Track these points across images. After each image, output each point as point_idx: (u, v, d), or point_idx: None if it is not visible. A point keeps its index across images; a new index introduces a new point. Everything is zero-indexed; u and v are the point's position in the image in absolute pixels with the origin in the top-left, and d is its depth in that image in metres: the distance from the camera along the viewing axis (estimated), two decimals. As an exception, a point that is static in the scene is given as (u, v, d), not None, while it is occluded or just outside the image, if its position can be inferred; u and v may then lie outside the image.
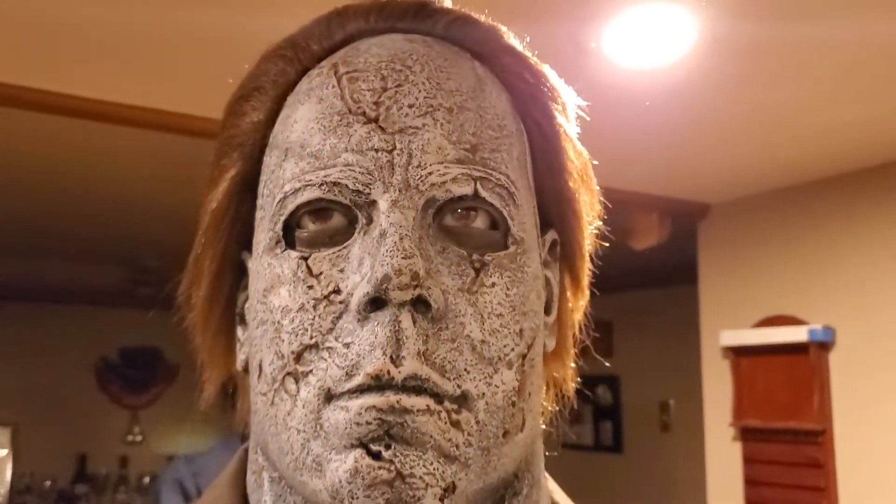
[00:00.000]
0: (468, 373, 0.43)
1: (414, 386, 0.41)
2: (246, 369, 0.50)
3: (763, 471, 2.97)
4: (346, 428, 0.41)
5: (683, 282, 3.81)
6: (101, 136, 2.55)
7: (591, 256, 0.56)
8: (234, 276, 0.53)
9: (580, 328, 0.57)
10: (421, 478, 0.41)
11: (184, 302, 0.54)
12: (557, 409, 0.58)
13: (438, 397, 0.42)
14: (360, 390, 0.41)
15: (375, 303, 0.42)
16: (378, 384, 0.41)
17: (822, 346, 2.83)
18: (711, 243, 3.27)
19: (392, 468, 0.40)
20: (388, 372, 0.41)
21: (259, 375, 0.46)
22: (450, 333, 0.43)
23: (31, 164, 2.99)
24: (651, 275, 4.67)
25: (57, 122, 2.32)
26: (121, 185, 2.97)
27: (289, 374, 0.44)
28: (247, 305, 0.51)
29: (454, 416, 0.42)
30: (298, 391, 0.43)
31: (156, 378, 5.98)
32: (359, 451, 0.41)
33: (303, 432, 0.43)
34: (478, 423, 0.43)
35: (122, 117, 2.15)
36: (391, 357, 0.41)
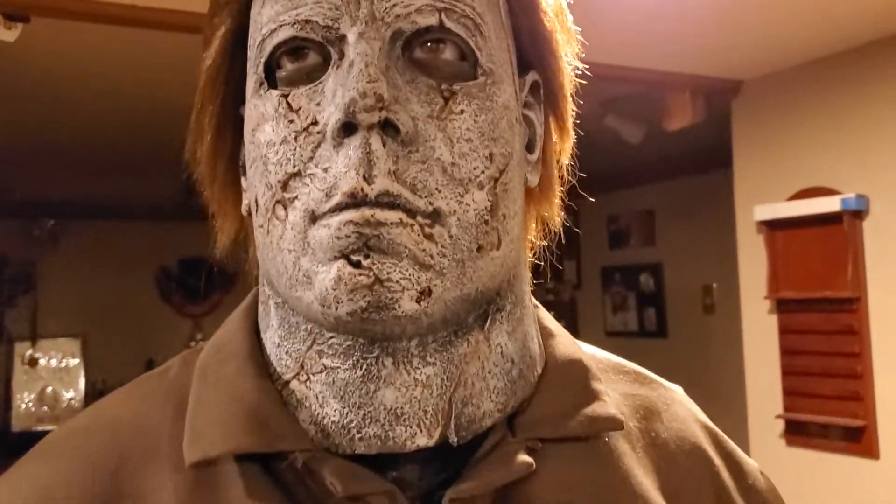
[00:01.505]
0: (439, 192, 0.46)
1: (387, 202, 0.45)
2: (250, 213, 0.53)
3: (798, 340, 3.02)
4: (328, 242, 0.45)
5: (721, 165, 3.81)
6: (152, 44, 2.59)
7: (572, 97, 0.58)
8: (234, 131, 0.55)
9: (568, 170, 0.59)
10: (398, 282, 0.44)
11: (190, 158, 0.57)
12: (545, 244, 0.60)
13: (411, 212, 0.45)
14: (339, 208, 0.45)
15: (347, 128, 0.45)
16: (354, 202, 0.44)
17: (855, 214, 2.85)
18: (744, 120, 3.27)
19: (371, 274, 0.44)
20: (362, 189, 0.44)
21: (256, 210, 0.50)
22: (420, 156, 0.46)
23: (83, 78, 3.04)
24: (689, 161, 4.66)
25: (108, 32, 2.36)
26: (171, 95, 3.06)
27: (278, 202, 0.47)
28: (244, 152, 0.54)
29: (427, 229, 0.46)
30: (287, 216, 0.47)
31: (214, 286, 6.20)
32: (341, 262, 0.45)
33: (293, 251, 0.47)
34: (451, 236, 0.46)
35: (173, 23, 2.17)
36: (364, 176, 0.44)
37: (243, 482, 0.47)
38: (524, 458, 0.48)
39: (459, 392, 0.48)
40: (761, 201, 3.16)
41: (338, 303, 0.45)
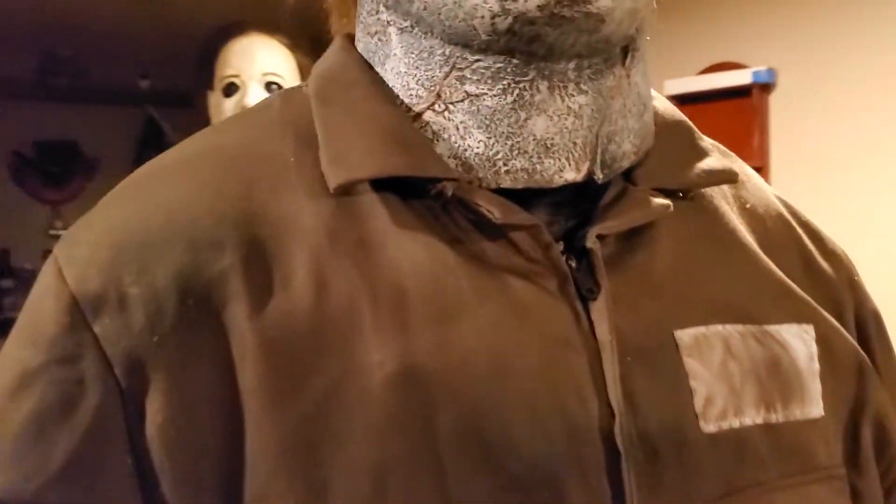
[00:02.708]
0: None
1: None
2: None
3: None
4: None
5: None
6: None
7: None
8: None
9: None
10: None
11: None
12: None
13: None
14: None
15: None
16: None
17: (764, 88, 2.96)
18: (658, -4, 3.29)
19: None
20: None
21: None
22: None
23: None
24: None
25: None
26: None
27: None
28: None
29: None
30: None
31: (74, 173, 5.80)
32: None
33: None
34: None
35: None
36: None
37: (387, 211, 0.43)
38: (661, 200, 0.46)
39: (605, 127, 0.45)
40: (672, 76, 3.21)
41: None
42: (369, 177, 0.42)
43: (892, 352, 0.55)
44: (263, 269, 0.41)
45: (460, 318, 0.41)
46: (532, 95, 0.43)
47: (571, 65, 0.43)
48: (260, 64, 1.56)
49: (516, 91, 0.43)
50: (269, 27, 1.58)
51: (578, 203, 0.46)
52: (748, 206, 0.54)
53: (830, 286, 0.53)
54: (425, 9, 0.43)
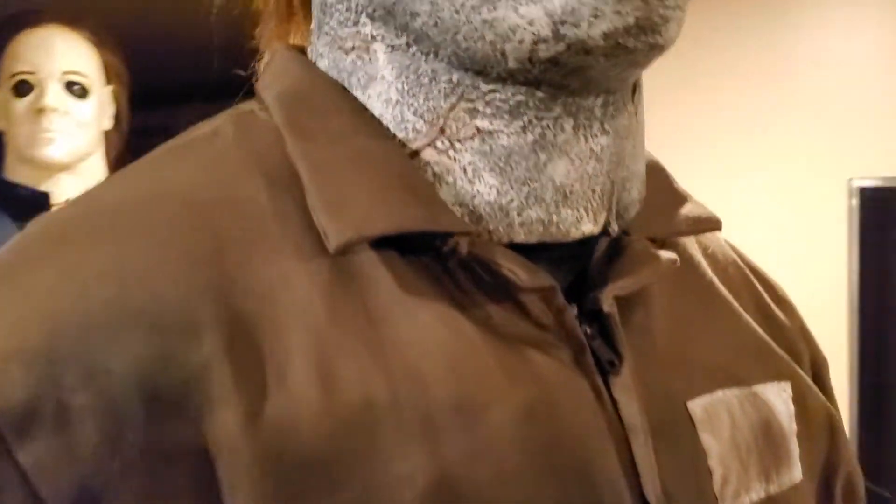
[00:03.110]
0: None
1: None
2: None
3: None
4: None
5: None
6: None
7: None
8: None
9: None
10: None
11: None
12: None
13: None
14: None
15: None
16: None
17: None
18: None
19: None
20: None
21: None
22: None
23: None
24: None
25: None
26: None
27: None
28: None
29: None
30: None
31: None
32: None
33: None
34: None
35: None
36: None
37: (390, 273, 0.36)
38: (667, 253, 0.42)
39: (620, 172, 0.41)
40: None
41: (594, 17, 0.33)
42: (381, 234, 0.35)
43: (836, 399, 0.54)
44: (253, 357, 0.32)
45: (491, 407, 0.34)
46: (555, 135, 0.37)
47: (599, 101, 0.38)
48: (60, 60, 1.36)
49: (538, 129, 0.37)
50: (71, 18, 1.39)
51: (574, 256, 0.40)
52: (710, 251, 0.51)
53: (787, 335, 0.52)
54: (435, 25, 0.36)
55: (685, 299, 0.45)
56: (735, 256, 0.53)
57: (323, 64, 0.41)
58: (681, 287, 0.45)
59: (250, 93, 0.43)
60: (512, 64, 0.35)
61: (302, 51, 0.44)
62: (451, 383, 0.34)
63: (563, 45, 0.34)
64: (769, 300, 0.52)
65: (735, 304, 0.48)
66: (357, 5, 0.39)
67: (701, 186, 2.57)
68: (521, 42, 0.34)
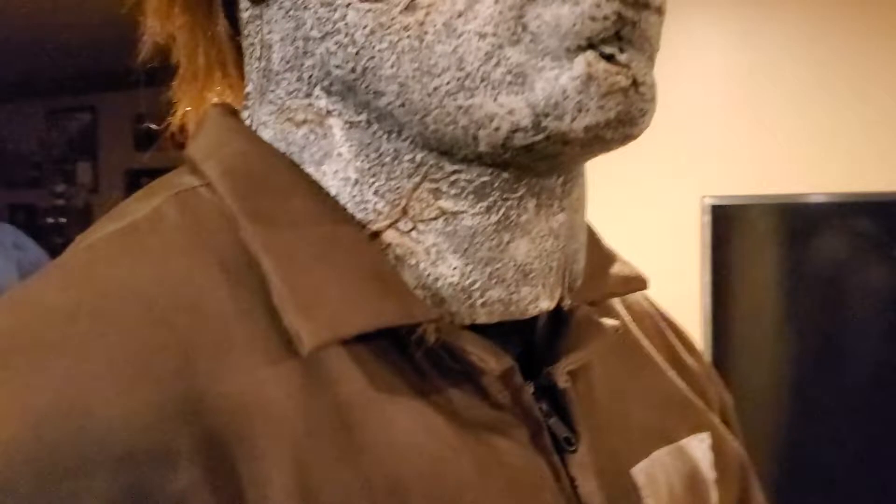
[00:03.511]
0: None
1: None
2: None
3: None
4: (573, 25, 0.33)
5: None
6: None
7: None
8: None
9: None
10: (650, 87, 0.35)
11: None
12: None
13: None
14: None
15: None
16: None
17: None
18: None
19: (629, 74, 0.34)
20: None
21: None
22: None
23: None
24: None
25: None
26: None
27: None
28: None
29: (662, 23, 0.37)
30: None
31: None
32: (591, 54, 0.33)
33: (491, 37, 0.33)
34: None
35: None
36: None
37: (360, 370, 0.34)
38: (611, 321, 0.43)
39: (571, 245, 0.41)
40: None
41: (579, 111, 0.33)
42: (358, 333, 0.33)
43: (741, 437, 0.57)
44: (233, 484, 0.30)
45: None
46: (519, 215, 0.37)
47: (560, 179, 0.38)
48: None
49: (502, 210, 0.37)
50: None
51: (518, 328, 0.40)
52: (628, 303, 0.52)
53: (699, 382, 0.53)
54: (402, 106, 0.34)
55: (616, 361, 0.46)
56: (648, 306, 0.54)
57: (267, 134, 0.39)
58: (613, 349, 0.45)
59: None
60: (483, 148, 0.35)
61: (233, 111, 0.41)
62: (431, 491, 0.33)
63: (542, 135, 0.34)
64: (681, 348, 0.54)
65: (658, 359, 0.49)
66: (311, 77, 0.37)
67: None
68: (496, 129, 0.34)
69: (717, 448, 0.48)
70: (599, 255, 0.46)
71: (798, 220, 2.30)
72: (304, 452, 0.31)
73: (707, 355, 2.30)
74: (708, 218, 2.32)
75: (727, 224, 2.33)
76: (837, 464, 2.23)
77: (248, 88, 0.41)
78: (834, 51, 2.34)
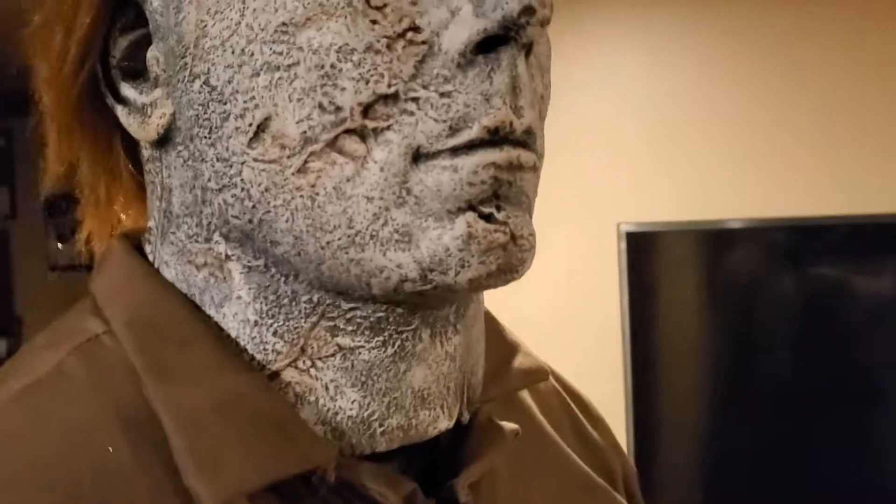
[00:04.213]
0: (540, 131, 0.39)
1: (525, 141, 0.37)
2: (166, 136, 0.40)
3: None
4: (453, 190, 0.35)
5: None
6: None
7: None
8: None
9: None
10: (527, 238, 0.37)
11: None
12: None
13: (538, 155, 0.38)
14: (472, 146, 0.35)
15: (486, 44, 0.35)
16: (493, 138, 0.35)
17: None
18: None
19: (507, 230, 0.36)
20: (511, 124, 0.35)
21: (255, 138, 0.36)
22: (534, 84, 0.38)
23: None
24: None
25: None
26: None
27: (349, 131, 0.35)
28: (164, 49, 0.39)
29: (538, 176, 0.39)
30: (370, 151, 0.35)
31: None
32: (470, 215, 0.35)
33: (378, 200, 0.35)
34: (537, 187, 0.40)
35: None
36: (511, 107, 0.35)
37: None
38: (510, 425, 0.44)
39: (469, 361, 0.42)
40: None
41: (462, 266, 0.35)
42: (257, 489, 0.34)
43: None
44: None
45: None
46: (414, 345, 0.39)
47: (452, 309, 0.40)
48: None
49: (398, 342, 0.38)
50: None
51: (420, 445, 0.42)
52: (534, 386, 0.53)
53: (602, 455, 0.55)
54: (298, 255, 0.36)
55: (521, 453, 0.46)
56: (554, 383, 0.55)
57: (169, 274, 0.40)
58: (516, 445, 0.46)
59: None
60: (377, 292, 0.36)
61: (138, 244, 0.42)
62: None
63: (430, 286, 0.36)
64: (585, 422, 0.55)
65: (562, 444, 0.50)
66: (210, 224, 0.39)
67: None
68: (387, 279, 0.36)
69: None
70: (501, 350, 0.47)
71: (711, 244, 2.39)
72: None
73: (629, 374, 2.38)
74: (624, 244, 2.39)
75: (642, 250, 2.41)
76: (753, 466, 2.32)
77: (151, 224, 0.42)
78: (747, 77, 2.41)
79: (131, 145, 0.43)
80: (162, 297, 0.39)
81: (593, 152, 2.50)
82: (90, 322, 0.39)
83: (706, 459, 2.43)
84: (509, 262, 0.36)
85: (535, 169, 0.38)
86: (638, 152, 2.49)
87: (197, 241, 0.39)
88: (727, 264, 2.40)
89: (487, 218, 0.36)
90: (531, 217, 0.38)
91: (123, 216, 0.46)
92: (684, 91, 2.47)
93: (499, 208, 0.36)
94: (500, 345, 0.47)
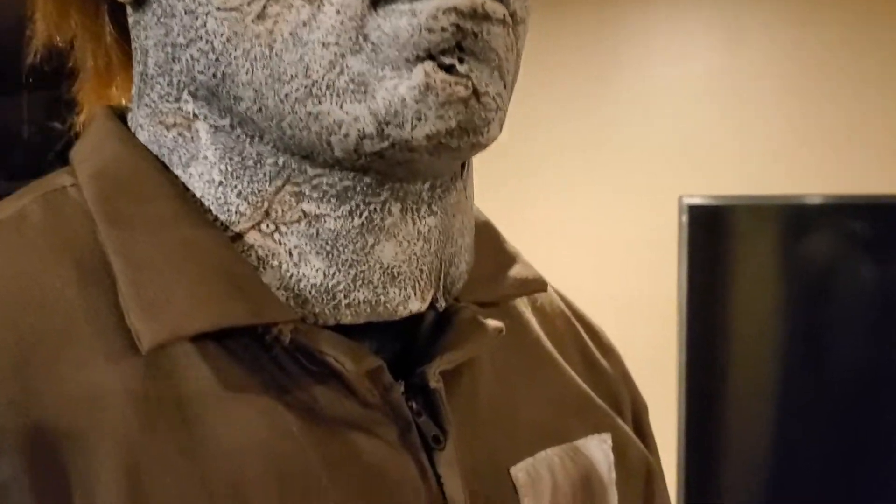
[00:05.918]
0: None
1: None
2: None
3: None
4: (411, 36, 0.34)
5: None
6: None
7: None
8: None
9: None
10: (493, 98, 0.36)
11: None
12: None
13: (509, 8, 0.37)
14: None
15: None
16: None
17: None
18: None
19: (469, 84, 0.35)
20: None
21: None
22: None
23: None
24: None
25: None
26: None
27: None
28: None
29: (511, 36, 0.37)
30: None
31: None
32: (429, 64, 0.34)
33: (333, 46, 0.34)
34: (518, 53, 0.39)
35: None
36: None
37: (207, 366, 0.35)
38: (493, 322, 0.43)
39: (448, 249, 0.42)
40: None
41: (419, 119, 0.34)
42: (197, 332, 0.34)
43: (655, 441, 0.57)
44: (57, 477, 0.31)
45: None
46: (383, 219, 0.38)
47: (427, 185, 0.39)
48: None
49: (365, 213, 0.38)
50: None
51: (403, 328, 0.41)
52: (538, 304, 0.53)
53: (610, 382, 0.54)
54: (259, 111, 0.36)
55: (511, 359, 0.46)
56: (563, 307, 0.55)
57: (143, 136, 0.40)
58: (507, 347, 0.46)
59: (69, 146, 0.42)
60: (338, 153, 0.35)
61: (122, 114, 0.43)
62: (273, 491, 0.34)
63: (387, 143, 0.34)
64: (594, 349, 0.54)
65: (559, 359, 0.50)
66: (179, 82, 0.39)
67: (537, 204, 2.60)
68: (346, 136, 0.35)
69: (620, 450, 0.49)
70: (498, 257, 0.47)
71: (781, 221, 2.24)
72: (138, 450, 0.32)
73: (682, 360, 2.23)
74: (686, 218, 2.26)
75: (706, 224, 2.28)
76: (822, 457, 2.18)
77: (133, 91, 0.42)
78: (819, 51, 2.33)
79: (118, 14, 0.44)
80: (131, 156, 0.40)
81: (658, 123, 2.38)
82: (61, 178, 0.40)
83: (767, 460, 2.26)
84: (471, 119, 0.35)
85: (506, 23, 0.36)
86: (709, 122, 2.38)
87: (167, 101, 0.39)
88: (802, 245, 2.22)
89: (448, 70, 0.34)
90: (503, 78, 0.37)
91: (123, 101, 0.47)
92: (756, 63, 2.38)
93: (462, 60, 0.35)
94: (499, 252, 0.48)
